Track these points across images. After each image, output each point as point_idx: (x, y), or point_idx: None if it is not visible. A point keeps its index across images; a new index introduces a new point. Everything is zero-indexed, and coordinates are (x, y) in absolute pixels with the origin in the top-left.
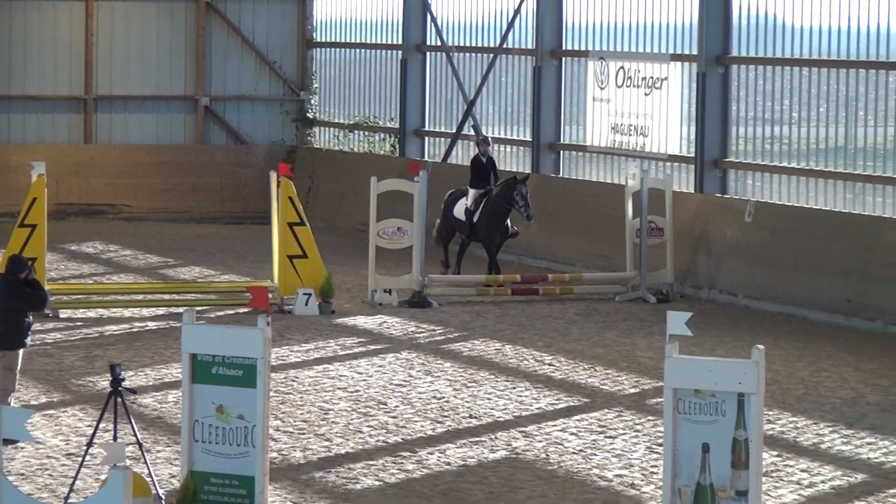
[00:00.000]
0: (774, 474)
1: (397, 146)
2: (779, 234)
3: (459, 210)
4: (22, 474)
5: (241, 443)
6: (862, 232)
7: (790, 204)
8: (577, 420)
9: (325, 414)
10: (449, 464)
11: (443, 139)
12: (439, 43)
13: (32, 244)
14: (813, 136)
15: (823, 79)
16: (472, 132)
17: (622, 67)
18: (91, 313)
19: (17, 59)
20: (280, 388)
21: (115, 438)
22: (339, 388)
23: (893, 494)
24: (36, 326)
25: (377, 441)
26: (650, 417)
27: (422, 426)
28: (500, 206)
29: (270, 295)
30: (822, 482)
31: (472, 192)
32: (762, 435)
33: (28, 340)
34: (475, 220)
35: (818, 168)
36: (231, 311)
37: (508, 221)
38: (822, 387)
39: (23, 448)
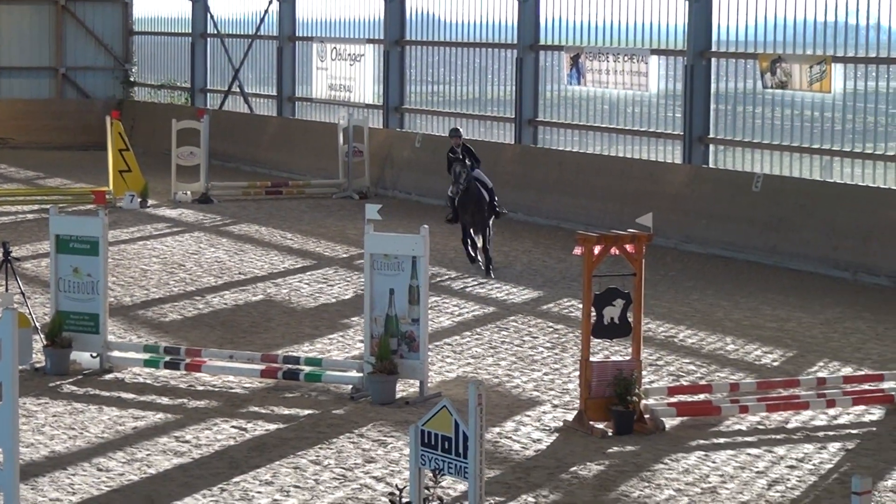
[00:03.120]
0: (436, 308)
1: (189, 99)
2: (438, 154)
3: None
4: None
5: (89, 292)
6: (487, 150)
7: (445, 135)
8: (309, 275)
9: (144, 273)
10: (226, 304)
11: (219, 94)
12: (214, 31)
13: None
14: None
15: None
16: (239, 90)
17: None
18: None
19: None
20: (115, 256)
21: (6, 290)
22: (153, 256)
23: (511, 319)
24: None
25: (179, 290)
26: (357, 272)
27: (208, 280)
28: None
29: (107, 196)
30: (467, 312)
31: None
32: (427, 283)
33: None
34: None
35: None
36: (82, 207)
37: (484, 197)
38: (464, 252)
39: None
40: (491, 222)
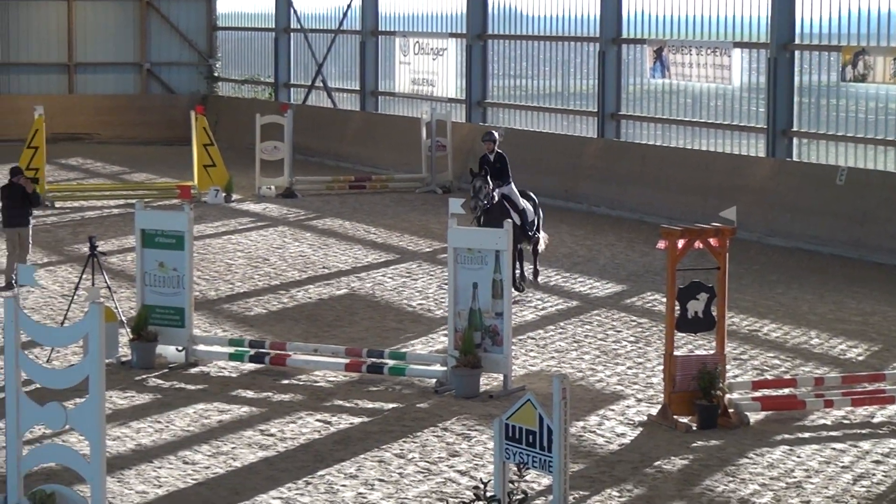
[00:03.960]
0: (520, 302)
1: (273, 94)
2: (521, 148)
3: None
4: (33, 308)
5: (175, 286)
6: (569, 144)
7: (528, 129)
8: (393, 269)
9: (229, 267)
10: (310, 298)
11: (302, 89)
12: (298, 26)
13: (36, 160)
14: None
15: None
16: (322, 85)
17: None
18: (75, 204)
19: (22, 40)
20: (199, 250)
21: (93, 284)
22: (238, 251)
23: (595, 314)
24: (38, 213)
25: (263, 284)
26: (440, 266)
27: (292, 274)
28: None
29: (192, 191)
30: (550, 307)
31: None
32: (510, 277)
33: (32, 221)
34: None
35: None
36: (167, 202)
37: (512, 221)
38: (549, 246)
39: (32, 292)
40: (525, 248)
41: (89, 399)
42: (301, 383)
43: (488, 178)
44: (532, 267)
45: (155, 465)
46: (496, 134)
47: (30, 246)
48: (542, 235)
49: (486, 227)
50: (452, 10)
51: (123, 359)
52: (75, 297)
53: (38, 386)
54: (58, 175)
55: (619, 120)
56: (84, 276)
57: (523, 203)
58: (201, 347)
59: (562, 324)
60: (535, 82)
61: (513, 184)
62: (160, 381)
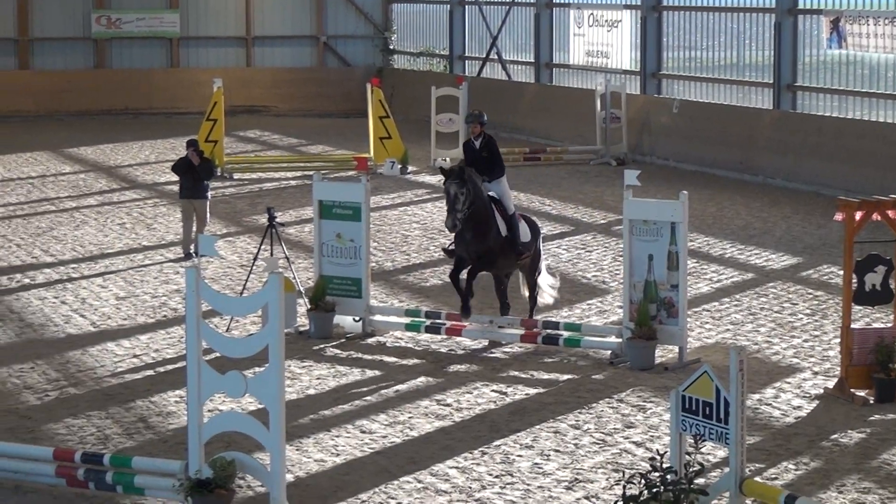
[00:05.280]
0: (695, 274)
1: (448, 66)
2: (696, 120)
3: None
4: (212, 279)
5: (352, 257)
6: (745, 116)
7: (703, 100)
8: (568, 241)
9: (405, 238)
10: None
11: (477, 62)
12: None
13: (214, 132)
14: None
15: None
16: (497, 57)
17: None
18: (253, 175)
19: (202, 14)
20: (376, 222)
21: (271, 254)
22: (413, 222)
23: (770, 286)
24: (217, 185)
25: (439, 255)
26: (615, 238)
27: None
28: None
29: (368, 163)
30: (725, 279)
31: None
32: (686, 249)
33: (209, 194)
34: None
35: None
36: (343, 174)
37: (497, 227)
38: (724, 218)
39: (211, 262)
40: (512, 263)
41: (269, 368)
42: (477, 354)
43: (466, 177)
44: (528, 294)
45: (332, 434)
46: (484, 115)
47: (207, 219)
48: (549, 280)
49: (459, 236)
50: None
51: (301, 329)
52: (254, 267)
53: (217, 355)
54: (236, 147)
55: (795, 91)
56: (262, 247)
57: (513, 209)
58: (378, 317)
59: (737, 296)
60: (710, 54)
61: (505, 178)
62: (337, 351)
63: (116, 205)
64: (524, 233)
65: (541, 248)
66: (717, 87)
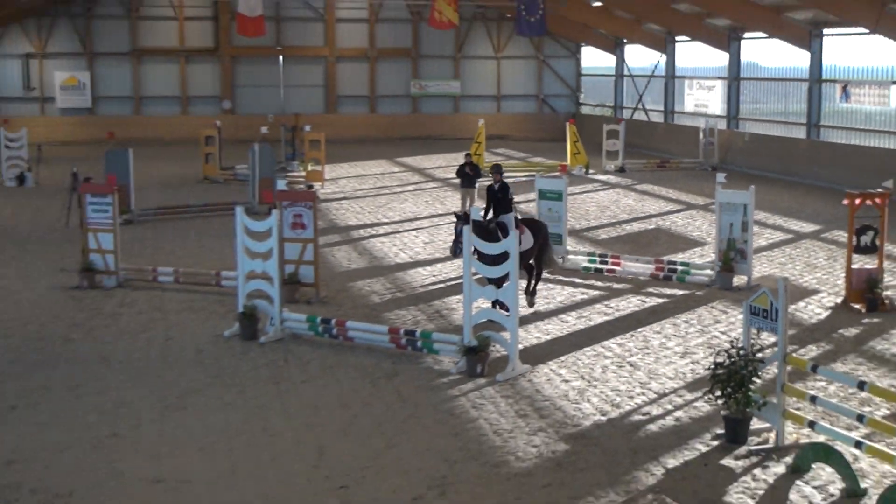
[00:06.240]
0: (757, 234)
1: (613, 112)
2: (758, 145)
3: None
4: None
5: (556, 221)
6: (788, 143)
7: (763, 133)
8: (679, 215)
9: (587, 211)
10: (632, 228)
11: (629, 109)
12: (627, 72)
13: (479, 149)
14: None
15: None
16: (641, 107)
17: None
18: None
19: (473, 82)
20: (571, 202)
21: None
22: (592, 202)
23: (803, 242)
24: (482, 181)
25: (605, 220)
26: (710, 213)
27: (622, 216)
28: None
29: (567, 168)
30: (775, 238)
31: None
32: (752, 219)
33: (476, 184)
34: None
35: None
36: (553, 174)
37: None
38: (775, 201)
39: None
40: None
41: (510, 283)
42: (625, 278)
43: (471, 222)
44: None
45: (545, 323)
46: (502, 168)
47: (475, 199)
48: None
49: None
50: (719, 62)
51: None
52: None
53: (479, 276)
54: (491, 158)
55: (820, 128)
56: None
57: (527, 232)
58: (570, 257)
59: (782, 248)
60: (768, 105)
61: (512, 213)
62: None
63: (423, 190)
64: (526, 241)
65: (549, 240)
66: (773, 125)
